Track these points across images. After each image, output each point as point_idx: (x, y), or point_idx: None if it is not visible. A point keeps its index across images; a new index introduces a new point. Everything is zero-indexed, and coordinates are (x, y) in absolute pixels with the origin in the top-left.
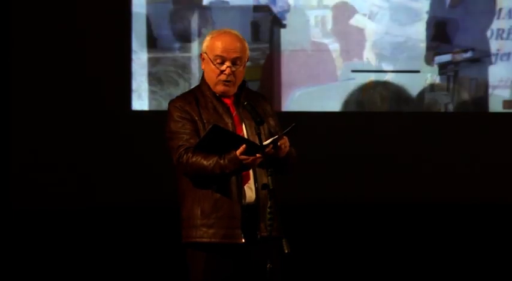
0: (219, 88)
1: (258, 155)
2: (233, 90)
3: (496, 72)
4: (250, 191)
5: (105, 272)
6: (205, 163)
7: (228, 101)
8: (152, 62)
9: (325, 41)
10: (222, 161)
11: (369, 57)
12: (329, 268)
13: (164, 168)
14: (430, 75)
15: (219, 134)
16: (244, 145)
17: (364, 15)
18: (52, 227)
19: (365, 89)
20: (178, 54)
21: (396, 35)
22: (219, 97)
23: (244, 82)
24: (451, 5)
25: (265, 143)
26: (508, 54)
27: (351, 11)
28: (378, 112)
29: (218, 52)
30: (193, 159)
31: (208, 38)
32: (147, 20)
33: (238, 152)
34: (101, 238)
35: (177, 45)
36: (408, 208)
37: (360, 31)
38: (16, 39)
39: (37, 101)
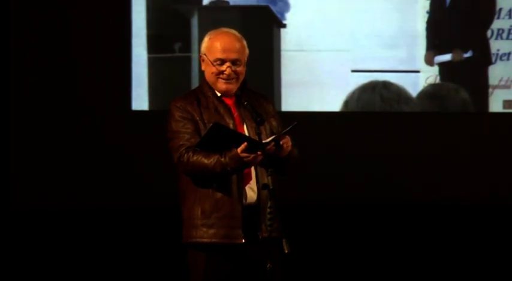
0: (221, 86)
1: (259, 152)
2: (235, 88)
3: (496, 72)
4: (251, 192)
5: (106, 272)
6: (206, 161)
7: (229, 101)
8: (152, 62)
9: (325, 40)
10: (223, 159)
11: (368, 57)
12: (329, 268)
13: (164, 168)
14: (430, 75)
15: (220, 132)
16: (245, 143)
17: (364, 15)
18: (52, 227)
19: (365, 89)
20: (178, 54)
21: (396, 34)
22: (220, 98)
23: (245, 83)
24: (451, 4)
25: (266, 141)
26: (508, 54)
27: (351, 11)
28: (378, 112)
29: (218, 54)
30: (194, 158)
31: (206, 39)
32: (147, 19)
33: (239, 149)
34: (101, 238)
35: (177, 45)
36: (408, 208)
37: (360, 31)
38: (16, 39)
39: (37, 101)
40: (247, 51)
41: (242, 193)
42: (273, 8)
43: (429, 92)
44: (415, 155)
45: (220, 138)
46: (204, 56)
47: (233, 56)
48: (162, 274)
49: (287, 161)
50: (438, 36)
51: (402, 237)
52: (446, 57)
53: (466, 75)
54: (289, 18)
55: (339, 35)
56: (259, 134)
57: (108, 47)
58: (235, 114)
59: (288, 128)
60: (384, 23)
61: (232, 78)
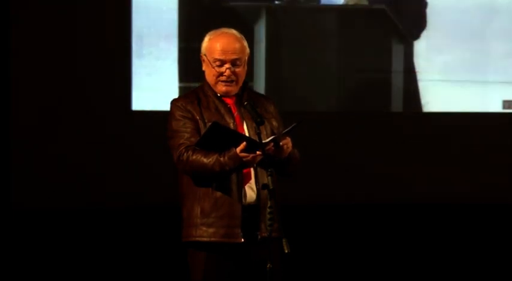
0: (220, 88)
1: (258, 152)
2: (235, 89)
3: (496, 73)
4: (251, 191)
5: (106, 272)
6: (205, 160)
7: (229, 101)
8: (152, 62)
9: (325, 40)
10: (222, 159)
11: (369, 56)
12: (329, 268)
13: (164, 168)
14: (430, 76)
15: (219, 131)
16: (244, 142)
17: (364, 15)
18: (52, 227)
19: (365, 89)
20: (178, 54)
21: (396, 34)
22: (221, 97)
23: (246, 83)
24: (450, 4)
25: (265, 141)
26: (507, 55)
27: (351, 10)
28: (378, 112)
29: (217, 55)
30: (194, 157)
31: (206, 39)
32: (147, 19)
33: (238, 149)
34: (101, 238)
35: (177, 45)
36: (409, 207)
37: (360, 31)
38: (16, 39)
39: (37, 101)
40: (247, 51)
41: (242, 193)
42: (273, 8)
43: (429, 92)
44: (415, 155)
45: (219, 137)
46: (204, 56)
47: (232, 56)
48: (162, 273)
49: (288, 161)
50: (437, 36)
51: (402, 237)
52: (446, 57)
53: (465, 75)
54: (289, 18)
55: (339, 34)
56: (258, 134)
57: (108, 47)
58: (236, 113)
59: (288, 129)
60: (384, 23)
61: (232, 81)
